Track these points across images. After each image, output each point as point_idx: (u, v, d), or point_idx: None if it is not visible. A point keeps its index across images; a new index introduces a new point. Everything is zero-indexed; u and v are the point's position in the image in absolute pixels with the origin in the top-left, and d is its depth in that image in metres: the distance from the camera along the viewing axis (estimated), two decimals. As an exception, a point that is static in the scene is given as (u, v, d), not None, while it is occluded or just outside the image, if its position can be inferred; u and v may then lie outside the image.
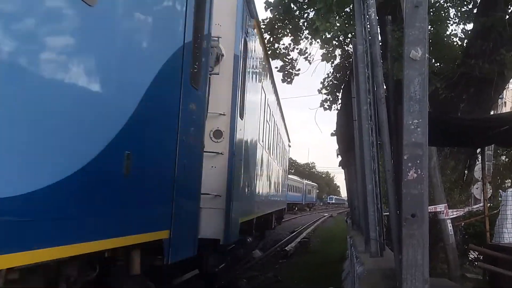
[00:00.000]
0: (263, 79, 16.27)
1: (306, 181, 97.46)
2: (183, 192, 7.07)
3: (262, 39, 15.51)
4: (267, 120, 18.24)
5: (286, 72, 23.52)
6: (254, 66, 13.28)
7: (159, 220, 6.27)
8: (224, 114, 9.63)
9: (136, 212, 5.63)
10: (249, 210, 14.08)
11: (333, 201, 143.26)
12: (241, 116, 10.79)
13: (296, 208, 76.94)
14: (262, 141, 16.90)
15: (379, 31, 5.69)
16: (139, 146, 5.55)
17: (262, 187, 18.36)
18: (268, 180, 20.93)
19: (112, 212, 5.09)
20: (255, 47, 13.14)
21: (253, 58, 12.69)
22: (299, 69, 23.83)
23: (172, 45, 6.34)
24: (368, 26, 5.63)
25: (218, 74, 8.99)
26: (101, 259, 5.23)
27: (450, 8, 20.86)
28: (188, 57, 6.83)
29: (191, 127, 7.37)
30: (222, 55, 8.92)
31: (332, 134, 22.64)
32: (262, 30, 17.36)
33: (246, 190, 13.15)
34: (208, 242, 9.28)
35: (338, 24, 16.97)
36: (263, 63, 15.94)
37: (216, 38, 8.84)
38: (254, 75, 13.43)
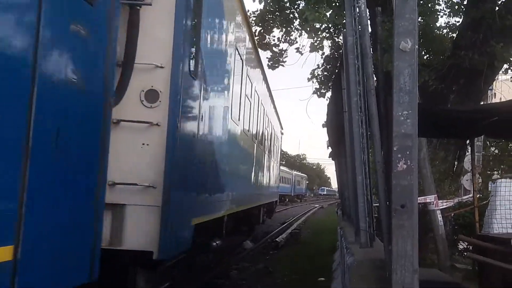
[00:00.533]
0: (239, 43, 12.96)
1: (295, 172, 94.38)
2: (49, 182, 4.44)
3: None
4: (247, 96, 14.96)
5: (274, 60, 23.70)
6: (222, 18, 10.17)
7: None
8: (162, 67, 6.59)
9: None
10: (213, 206, 10.31)
11: (325, 193, 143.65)
12: (194, 75, 7.62)
13: (287, 200, 77.02)
14: (239, 120, 13.45)
15: (369, 23, 5.68)
16: None
17: (240, 176, 15.02)
18: (252, 169, 18.02)
19: None
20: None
21: (219, 9, 9.83)
22: (286, 56, 24.10)
23: None
24: (358, 17, 5.63)
25: (150, 4, 6.29)
26: None
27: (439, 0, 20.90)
28: None
29: (56, 56, 4.52)
30: None
31: (323, 125, 22.41)
32: (252, 22, 16.68)
33: (207, 180, 9.60)
34: (138, 255, 6.41)
35: (328, 15, 17.00)
36: (240, 23, 13.05)
37: None
38: (221, 31, 10.12)
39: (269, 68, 23.36)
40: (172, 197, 6.64)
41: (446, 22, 20.96)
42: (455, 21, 20.38)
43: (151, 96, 6.62)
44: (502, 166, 24.40)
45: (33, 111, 4.00)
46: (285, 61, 24.17)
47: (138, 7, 6.14)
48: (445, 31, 20.19)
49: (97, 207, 5.26)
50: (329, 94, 22.77)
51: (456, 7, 20.14)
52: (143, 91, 6.61)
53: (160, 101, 6.66)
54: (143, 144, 6.60)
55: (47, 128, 4.26)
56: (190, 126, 7.81)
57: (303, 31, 21.47)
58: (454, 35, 18.99)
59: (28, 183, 3.97)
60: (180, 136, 7.01)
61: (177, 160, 6.88)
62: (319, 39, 21.24)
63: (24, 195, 3.93)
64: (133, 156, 6.51)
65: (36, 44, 4.05)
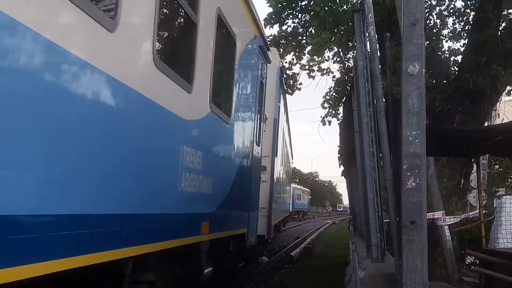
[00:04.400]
0: (284, 124, 22.97)
1: (294, 185, 78.61)
2: (252, 206, 11.26)
3: (283, 89, 20.48)
4: (284, 153, 24.18)
5: (289, 85, 23.65)
6: (282, 118, 19.36)
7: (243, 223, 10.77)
8: (267, 156, 13.63)
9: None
10: (277, 217, 20.72)
11: (341, 209, 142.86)
12: (276, 155, 15.81)
13: (301, 216, 76.55)
14: (282, 167, 22.88)
15: (378, 47, 5.69)
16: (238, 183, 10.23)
17: (281, 201, 24.19)
18: (283, 195, 27.08)
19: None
20: (282, 104, 19.01)
21: (281, 113, 18.47)
22: (301, 83, 24.00)
23: (251, 125, 11.24)
24: (368, 42, 5.65)
25: (265, 131, 12.56)
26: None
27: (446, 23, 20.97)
28: (256, 128, 10.96)
29: (257, 168, 11.65)
30: (267, 119, 12.36)
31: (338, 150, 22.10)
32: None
33: (276, 204, 18.71)
34: (259, 237, 13.18)
35: (332, 39, 17.11)
36: (286, 112, 22.85)
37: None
38: (282, 125, 19.44)
39: (287, 93, 23.30)
40: (271, 212, 14.19)
41: (449, 46, 20.89)
42: (459, 45, 20.45)
43: (263, 169, 13.39)
44: (507, 183, 24.26)
45: (250, 184, 11.42)
46: (301, 84, 24.16)
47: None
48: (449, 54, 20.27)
49: (257, 216, 12.00)
50: (335, 120, 22.85)
51: (460, 30, 20.23)
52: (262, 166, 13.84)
53: (267, 171, 13.65)
54: (261, 189, 13.26)
55: (251, 188, 11.21)
56: (275, 180, 15.50)
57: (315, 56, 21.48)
58: (459, 58, 19.01)
59: (248, 208, 11.44)
60: (272, 185, 14.59)
61: (272, 196, 14.05)
62: (323, 61, 21.47)
63: (248, 213, 11.38)
64: (260, 194, 13.13)
65: (252, 167, 11.46)
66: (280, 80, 15.54)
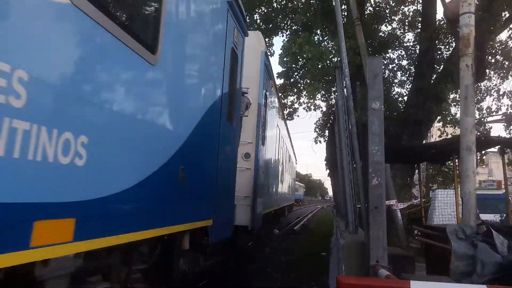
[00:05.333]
0: (279, 120, 15.79)
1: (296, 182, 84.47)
2: (222, 194, 6.30)
3: (277, 93, 15.14)
4: (281, 147, 17.31)
5: (289, 113, 24.10)
6: (272, 111, 12.91)
7: (205, 213, 5.43)
8: (251, 142, 9.15)
9: (188, 208, 4.88)
10: (269, 205, 13.35)
11: (327, 198, 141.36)
12: (263, 144, 10.32)
13: (300, 202, 75.91)
14: (278, 160, 16.30)
15: (351, 91, 5.67)
16: (190, 163, 4.74)
17: (278, 189, 17.54)
18: (282, 185, 19.98)
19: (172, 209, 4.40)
20: (273, 98, 12.88)
21: (271, 106, 12.35)
22: (298, 115, 24.79)
23: (215, 95, 5.73)
24: (345, 87, 5.64)
25: (247, 116, 8.50)
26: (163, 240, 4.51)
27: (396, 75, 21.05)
28: (225, 102, 6.20)
29: (228, 150, 6.63)
30: (250, 104, 8.55)
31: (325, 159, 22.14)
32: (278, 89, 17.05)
33: (267, 192, 12.54)
34: (241, 227, 8.92)
35: (321, 86, 17.32)
36: (278, 109, 15.51)
37: (247, 91, 8.22)
38: (272, 117, 12.77)
39: (287, 120, 23.49)
40: (255, 201, 9.36)
41: (397, 91, 21.04)
42: (404, 91, 20.54)
43: (247, 155, 9.37)
44: (438, 181, 24.16)
45: (217, 168, 6.00)
46: (298, 115, 24.86)
47: (241, 116, 7.84)
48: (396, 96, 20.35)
49: (233, 205, 7.49)
50: (322, 139, 23.03)
51: (405, 80, 20.30)
52: (243, 153, 9.13)
53: (250, 158, 9.43)
54: (243, 177, 8.94)
55: (220, 174, 6.11)
56: (262, 169, 10.50)
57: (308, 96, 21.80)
58: (405, 99, 19.03)
59: (215, 196, 5.98)
60: (258, 173, 9.76)
61: (257, 184, 9.55)
62: (316, 101, 21.77)
63: (214, 201, 5.91)
64: (240, 183, 8.16)
65: (218, 147, 6.00)
66: (266, 66, 10.21)
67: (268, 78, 10.64)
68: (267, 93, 10.61)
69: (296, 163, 37.33)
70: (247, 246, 10.04)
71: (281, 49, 18.68)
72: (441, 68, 17.73)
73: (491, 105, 19.73)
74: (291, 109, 24.14)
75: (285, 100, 23.39)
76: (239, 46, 7.01)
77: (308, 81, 17.57)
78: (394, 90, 20.71)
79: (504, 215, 12.65)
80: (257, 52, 9.70)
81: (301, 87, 21.46)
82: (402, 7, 20.68)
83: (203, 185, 5.37)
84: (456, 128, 18.63)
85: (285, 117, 22.11)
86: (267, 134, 11.22)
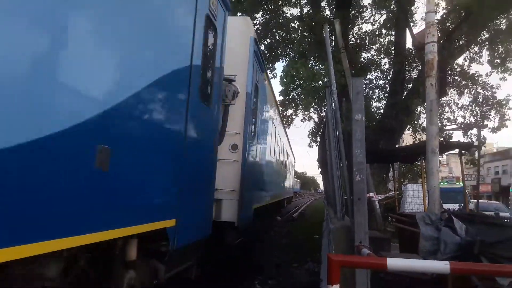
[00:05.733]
0: (274, 117, 12.55)
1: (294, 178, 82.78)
2: (193, 187, 4.30)
3: (271, 89, 11.54)
4: (277, 144, 14.00)
5: (288, 122, 24.11)
6: (265, 106, 9.88)
7: (163, 211, 3.49)
8: (238, 133, 6.79)
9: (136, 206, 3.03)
10: (263, 199, 10.49)
11: (320, 191, 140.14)
12: (253, 136, 7.83)
13: (297, 195, 75.53)
14: (274, 156, 13.04)
15: (338, 105, 5.66)
16: (123, 144, 2.81)
17: (275, 184, 14.56)
18: (280, 179, 17.14)
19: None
20: (266, 93, 10.02)
21: (263, 99, 9.38)
22: (295, 124, 24.94)
23: (176, 64, 3.70)
24: (333, 102, 5.62)
25: (234, 104, 6.40)
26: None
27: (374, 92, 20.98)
28: (196, 79, 4.20)
29: (202, 135, 4.55)
30: (238, 92, 6.51)
31: (317, 160, 22.16)
32: (278, 103, 16.47)
33: (260, 186, 9.74)
34: (227, 224, 6.52)
35: (314, 101, 17.24)
36: (273, 105, 12.14)
37: (234, 78, 6.23)
38: (264, 112, 9.82)
39: (286, 128, 23.55)
40: (243, 195, 6.65)
41: (375, 105, 20.93)
42: (381, 105, 20.46)
43: (234, 147, 6.71)
44: (408, 177, 24.05)
45: (185, 157, 3.95)
46: (295, 125, 25.01)
47: (229, 105, 6.16)
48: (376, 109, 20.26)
49: (212, 199, 5.37)
50: (315, 144, 23.02)
51: (381, 96, 20.23)
52: (230, 144, 6.67)
53: (238, 150, 6.73)
54: (230, 170, 6.63)
55: (189, 164, 4.08)
56: (252, 161, 7.79)
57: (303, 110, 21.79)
58: (381, 111, 18.96)
59: (181, 190, 3.87)
60: (247, 166, 7.00)
61: (245, 178, 6.80)
62: (310, 113, 21.70)
63: (179, 196, 3.82)
64: (226, 176, 6.44)
65: (185, 131, 3.93)
66: (255, 54, 7.72)
67: (259, 68, 8.16)
68: (258, 85, 8.12)
69: (295, 162, 34.37)
70: (235, 244, 7.06)
71: (282, 72, 18.76)
72: (410, 86, 17.66)
73: (450, 116, 19.60)
74: (289, 120, 24.32)
75: (285, 113, 23.42)
76: (218, 18, 5.02)
77: (303, 97, 17.52)
78: (373, 104, 20.64)
79: (462, 204, 12.55)
80: (245, 36, 7.42)
81: (298, 102, 21.48)
82: (378, 39, 20.68)
83: (156, 176, 3.40)
84: (423, 134, 18.55)
85: (284, 123, 19.53)
86: (259, 127, 8.76)
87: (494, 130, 17.98)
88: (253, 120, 7.93)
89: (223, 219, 6.42)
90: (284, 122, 22.29)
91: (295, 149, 31.01)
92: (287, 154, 21.17)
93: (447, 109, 19.68)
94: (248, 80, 7.12)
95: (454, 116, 19.66)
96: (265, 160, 10.38)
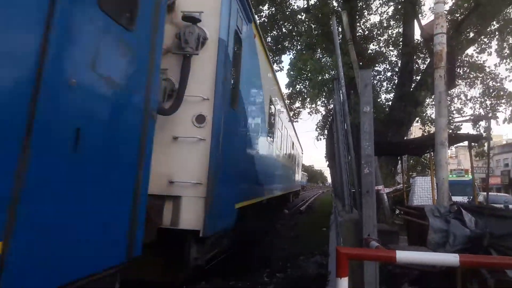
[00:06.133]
0: (272, 91, 9.59)
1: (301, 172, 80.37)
2: (60, 188, 2.29)
3: (265, 53, 8.44)
4: (278, 128, 11.28)
5: (294, 115, 24.18)
6: (255, 70, 7.28)
7: None
8: (207, 99, 4.70)
9: None
10: (251, 195, 7.36)
11: (327, 184, 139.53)
12: (232, 104, 5.39)
13: (304, 188, 75.41)
14: (272, 138, 10.09)
15: (346, 98, 5.63)
16: None
17: (272, 175, 10.92)
18: (280, 170, 13.15)
19: None
20: (257, 52, 7.35)
21: (253, 60, 6.95)
22: (301, 117, 25.07)
23: None
24: (342, 94, 5.60)
25: (197, 54, 4.56)
26: None
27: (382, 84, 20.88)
28: None
29: (105, 84, 2.71)
30: (206, 39, 4.69)
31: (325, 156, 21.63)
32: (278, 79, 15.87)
33: (246, 177, 6.88)
34: (190, 233, 4.46)
35: (321, 94, 17.17)
36: (271, 78, 9.46)
37: (198, 16, 4.55)
38: (254, 76, 7.22)
39: (293, 121, 23.57)
40: (214, 191, 4.53)
41: (384, 97, 20.85)
42: (390, 96, 20.34)
43: (200, 119, 4.60)
44: (416, 170, 23.94)
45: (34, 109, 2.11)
46: (302, 118, 25.12)
47: (188, 56, 4.50)
48: (385, 101, 20.18)
49: (136, 198, 3.11)
50: (322, 138, 23.01)
51: (390, 88, 20.10)
52: (194, 115, 4.61)
53: (206, 123, 4.60)
54: (193, 153, 4.58)
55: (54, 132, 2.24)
56: (228, 140, 5.13)
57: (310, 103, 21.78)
58: (390, 103, 18.85)
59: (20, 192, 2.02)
60: (221, 147, 4.75)
61: (217, 164, 4.63)
62: (317, 106, 21.69)
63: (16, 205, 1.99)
64: (187, 162, 4.53)
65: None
66: None
67: (242, 13, 5.80)
68: (241, 35, 5.73)
69: (302, 153, 30.32)
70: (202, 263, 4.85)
71: (288, 65, 18.74)
72: (418, 78, 17.52)
73: (459, 106, 19.42)
74: (296, 113, 24.37)
75: (292, 106, 23.42)
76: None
77: (310, 89, 17.46)
78: (381, 96, 20.55)
79: (471, 197, 12.49)
80: None
81: (305, 95, 21.45)
82: (386, 30, 20.53)
83: None
84: (431, 126, 18.43)
85: (287, 107, 16.46)
86: (244, 94, 6.25)
87: (506, 121, 17.76)
88: (233, 82, 5.49)
89: (181, 226, 4.40)
90: (292, 116, 22.26)
91: (302, 142, 30.26)
92: (292, 142, 18.19)
93: (455, 100, 19.55)
94: (222, 22, 4.86)
95: (462, 108, 19.52)
96: (256, 142, 7.77)
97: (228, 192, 5.30)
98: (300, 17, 20.52)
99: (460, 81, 18.39)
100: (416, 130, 22.18)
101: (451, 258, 2.19)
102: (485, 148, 18.61)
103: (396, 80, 18.95)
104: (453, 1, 17.23)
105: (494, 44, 18.06)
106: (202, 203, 4.44)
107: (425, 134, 16.46)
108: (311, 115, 23.33)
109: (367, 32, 20.47)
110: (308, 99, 20.56)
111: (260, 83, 7.92)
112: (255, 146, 7.56)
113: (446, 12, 11.05)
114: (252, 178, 7.55)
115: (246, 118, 6.46)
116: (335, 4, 18.90)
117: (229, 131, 5.19)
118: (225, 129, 4.90)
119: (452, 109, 19.32)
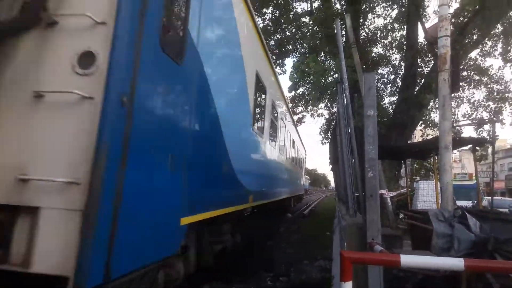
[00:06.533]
0: (256, 57, 6.85)
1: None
2: None
3: (251, 14, 6.27)
4: (272, 119, 8.98)
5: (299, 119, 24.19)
6: (228, 22, 4.95)
7: None
8: (103, 23, 2.29)
9: None
10: (225, 200, 5.01)
11: (330, 188, 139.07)
12: (170, 52, 3.00)
13: (307, 191, 75.15)
14: (263, 133, 7.89)
15: (350, 101, 5.62)
16: None
17: (269, 178, 9.22)
18: (279, 174, 11.58)
19: None
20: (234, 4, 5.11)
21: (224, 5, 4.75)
22: (304, 121, 24.83)
23: None
24: (345, 97, 5.59)
25: None
26: None
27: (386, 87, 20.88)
28: None
29: None
30: None
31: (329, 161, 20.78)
32: (288, 101, 15.58)
33: (211, 174, 4.35)
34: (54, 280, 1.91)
35: (324, 97, 17.22)
36: (255, 42, 6.80)
37: None
38: (229, 35, 4.97)
39: (297, 125, 23.61)
40: (111, 195, 2.31)
41: (388, 99, 20.82)
42: (393, 99, 20.33)
43: (86, 59, 2.43)
44: (420, 174, 23.93)
45: None
46: (304, 121, 25.19)
47: None
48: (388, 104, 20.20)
49: None
50: (326, 141, 22.99)
51: (393, 91, 20.12)
52: (77, 53, 2.44)
53: (96, 66, 2.40)
54: (64, 123, 2.36)
55: None
56: (161, 110, 2.99)
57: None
58: (393, 106, 18.85)
59: None
60: (135, 118, 2.54)
61: (120, 147, 2.41)
62: (319, 110, 21.79)
63: None
64: (55, 141, 2.34)
65: None
66: None
67: None
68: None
69: (306, 154, 27.95)
70: None
71: (291, 68, 18.75)
72: (422, 81, 17.51)
73: (465, 111, 19.48)
74: (299, 118, 24.49)
75: (295, 109, 23.44)
76: None
77: (313, 92, 17.47)
78: (385, 99, 20.54)
79: (475, 201, 12.43)
80: None
81: (308, 99, 21.47)
82: (390, 33, 20.54)
83: None
84: (435, 130, 18.38)
85: (287, 103, 14.67)
86: (203, 51, 3.78)
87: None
88: (180, 23, 3.38)
89: (35, 268, 2.21)
90: (295, 120, 22.23)
91: (307, 144, 30.02)
92: (293, 140, 16.09)
93: (460, 104, 19.51)
94: None
95: (468, 112, 19.48)
96: (237, 127, 5.63)
97: (158, 198, 3.00)
98: (304, 20, 20.61)
99: (465, 84, 18.38)
100: (419, 134, 22.14)
101: (457, 263, 2.18)
102: (488, 151, 18.57)
103: (400, 83, 18.94)
104: (458, 0, 17.25)
105: (499, 47, 17.99)
106: (77, 220, 2.22)
107: (426, 138, 16.48)
108: (314, 118, 23.30)
109: (370, 35, 20.50)
110: (310, 101, 20.59)
111: (239, 52, 5.59)
112: (231, 131, 5.17)
113: (450, 15, 11.04)
114: (225, 176, 5.09)
115: (204, 83, 3.98)
116: (338, 7, 18.94)
117: (161, 91, 2.98)
118: (147, 86, 2.74)
119: (455, 112, 19.32)
